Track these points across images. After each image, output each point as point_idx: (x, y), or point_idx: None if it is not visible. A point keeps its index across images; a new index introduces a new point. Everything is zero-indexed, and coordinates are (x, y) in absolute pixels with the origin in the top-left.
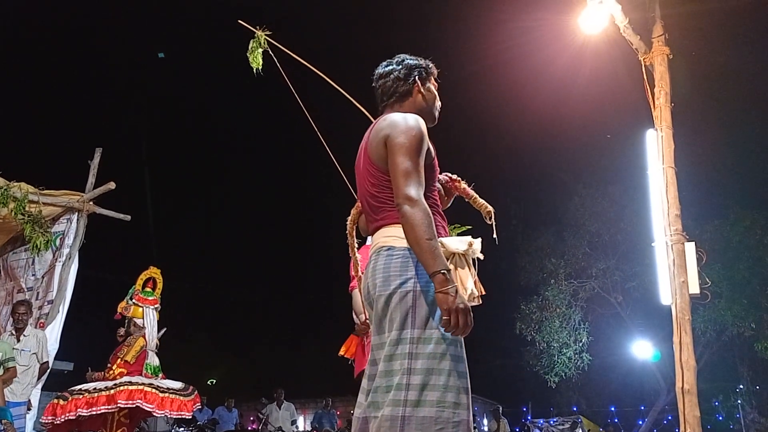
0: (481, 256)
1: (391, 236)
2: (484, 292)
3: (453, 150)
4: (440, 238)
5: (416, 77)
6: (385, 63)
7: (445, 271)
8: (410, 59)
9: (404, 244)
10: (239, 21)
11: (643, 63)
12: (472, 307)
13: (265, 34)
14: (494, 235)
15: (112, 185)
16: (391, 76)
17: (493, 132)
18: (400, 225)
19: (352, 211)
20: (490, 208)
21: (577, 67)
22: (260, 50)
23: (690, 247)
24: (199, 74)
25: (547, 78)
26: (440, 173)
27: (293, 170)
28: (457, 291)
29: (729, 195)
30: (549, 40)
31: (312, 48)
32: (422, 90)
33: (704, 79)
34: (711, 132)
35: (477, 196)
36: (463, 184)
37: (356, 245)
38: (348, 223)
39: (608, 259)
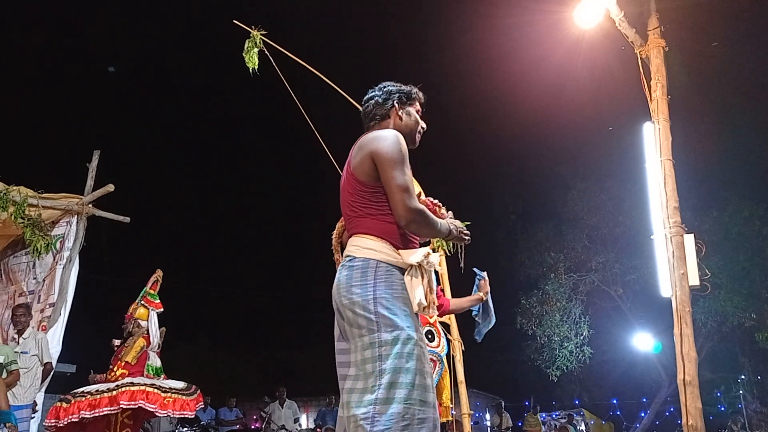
0: (440, 269)
1: (355, 246)
2: (436, 303)
3: (450, 147)
4: (400, 250)
5: (394, 102)
6: (372, 90)
7: (450, 227)
8: (392, 86)
9: (364, 254)
10: (234, 21)
11: (639, 56)
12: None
13: (261, 34)
14: (461, 264)
15: (111, 187)
16: (371, 101)
17: (489, 127)
18: (365, 235)
19: (337, 225)
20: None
21: (572, 62)
22: (256, 50)
23: (689, 239)
24: (197, 74)
25: (543, 72)
26: (425, 195)
27: (294, 169)
28: (449, 225)
29: (727, 186)
30: (544, 34)
31: (308, 46)
32: (400, 113)
33: (701, 71)
34: (708, 123)
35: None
36: (443, 210)
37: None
38: (333, 238)
39: (607, 252)
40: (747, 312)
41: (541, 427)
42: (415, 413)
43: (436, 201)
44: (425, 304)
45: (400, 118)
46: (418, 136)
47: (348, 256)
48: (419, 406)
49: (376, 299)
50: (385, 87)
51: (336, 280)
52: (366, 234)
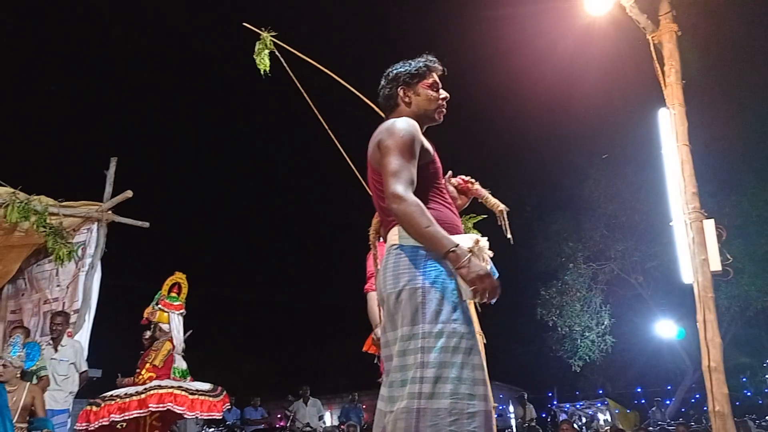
0: (491, 253)
1: (401, 235)
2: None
3: (463, 137)
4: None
5: (399, 87)
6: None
7: (454, 249)
8: (396, 69)
9: (411, 242)
10: (244, 24)
11: (651, 41)
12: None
13: (270, 35)
14: (508, 235)
15: (129, 194)
16: (381, 92)
17: (502, 117)
18: None
19: (373, 221)
20: (502, 207)
21: (584, 50)
22: (266, 51)
23: (709, 225)
24: (212, 79)
25: (556, 61)
26: (454, 174)
27: (314, 171)
28: (470, 260)
29: (747, 169)
30: (555, 22)
31: (318, 45)
32: (406, 99)
33: (715, 53)
34: (725, 107)
35: (490, 195)
36: (476, 186)
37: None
38: (371, 233)
39: (626, 240)
40: None
41: None
42: (463, 408)
43: (468, 178)
44: None
45: (408, 104)
46: (437, 112)
47: (394, 244)
48: (467, 400)
49: (424, 289)
50: (389, 74)
51: (382, 268)
52: None
